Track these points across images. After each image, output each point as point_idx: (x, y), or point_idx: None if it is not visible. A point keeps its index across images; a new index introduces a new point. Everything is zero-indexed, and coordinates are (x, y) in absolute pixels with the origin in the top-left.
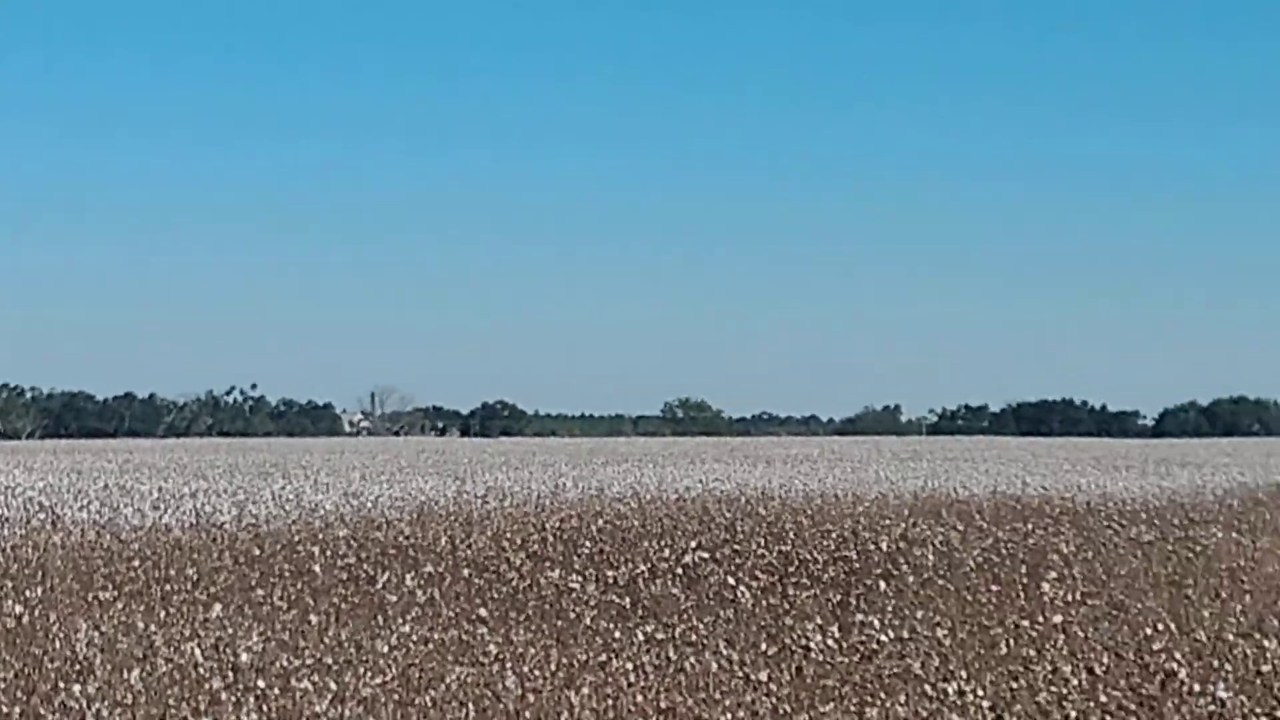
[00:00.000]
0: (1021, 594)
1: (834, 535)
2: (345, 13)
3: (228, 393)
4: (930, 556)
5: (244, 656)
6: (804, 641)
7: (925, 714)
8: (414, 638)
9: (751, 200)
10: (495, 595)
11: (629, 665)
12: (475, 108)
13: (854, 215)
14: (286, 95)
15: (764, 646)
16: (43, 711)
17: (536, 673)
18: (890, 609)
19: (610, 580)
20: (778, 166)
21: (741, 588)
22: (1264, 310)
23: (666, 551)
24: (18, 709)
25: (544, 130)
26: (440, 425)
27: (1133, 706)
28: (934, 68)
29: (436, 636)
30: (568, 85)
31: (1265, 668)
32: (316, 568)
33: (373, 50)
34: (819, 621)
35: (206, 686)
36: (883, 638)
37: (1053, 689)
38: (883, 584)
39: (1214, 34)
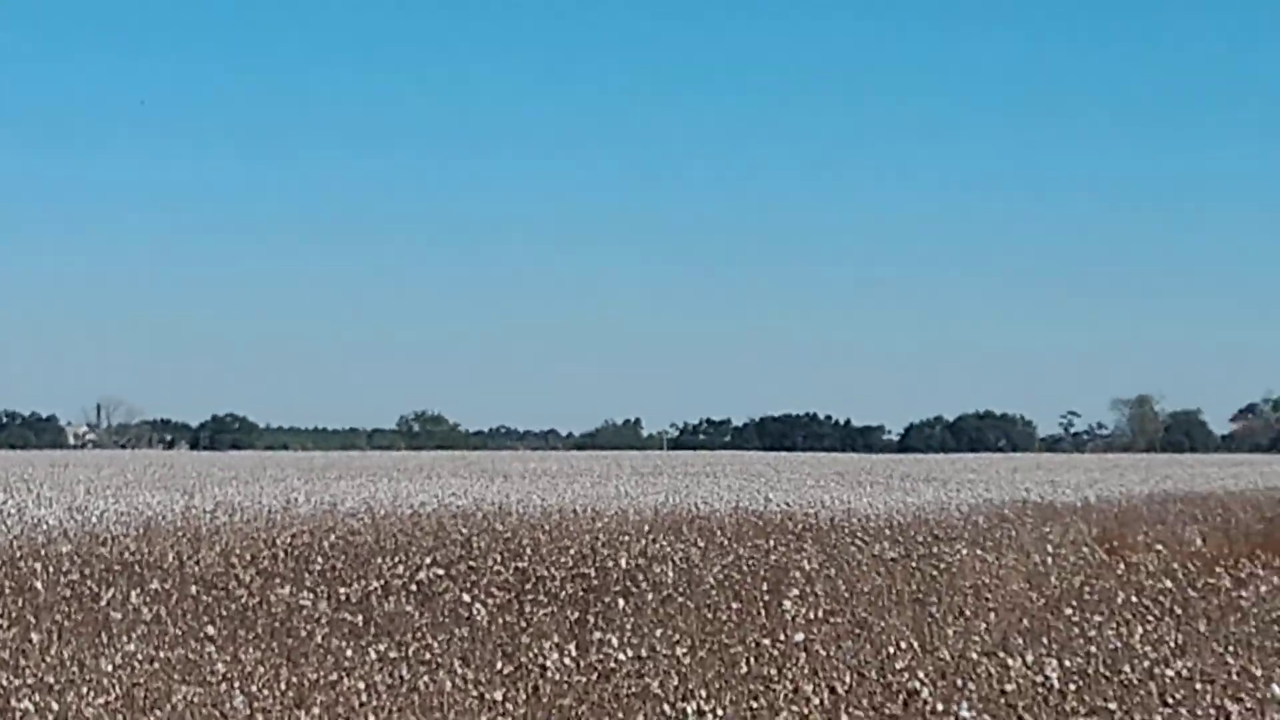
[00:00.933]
0: (763, 612)
1: (572, 552)
2: None
3: None
4: (670, 573)
5: None
6: (541, 660)
7: None
8: (139, 656)
9: (483, 208)
10: (223, 613)
11: (361, 684)
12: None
13: (591, 223)
14: None
15: (500, 665)
16: None
17: (265, 692)
18: (629, 627)
19: (342, 597)
20: (497, 167)
21: (477, 605)
22: (1007, 326)
23: (400, 568)
24: None
25: (248, 130)
26: (169, 438)
27: None
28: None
29: (162, 655)
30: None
31: (1009, 686)
32: (38, 584)
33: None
34: (556, 640)
35: None
36: (621, 656)
37: (794, 708)
38: (621, 601)
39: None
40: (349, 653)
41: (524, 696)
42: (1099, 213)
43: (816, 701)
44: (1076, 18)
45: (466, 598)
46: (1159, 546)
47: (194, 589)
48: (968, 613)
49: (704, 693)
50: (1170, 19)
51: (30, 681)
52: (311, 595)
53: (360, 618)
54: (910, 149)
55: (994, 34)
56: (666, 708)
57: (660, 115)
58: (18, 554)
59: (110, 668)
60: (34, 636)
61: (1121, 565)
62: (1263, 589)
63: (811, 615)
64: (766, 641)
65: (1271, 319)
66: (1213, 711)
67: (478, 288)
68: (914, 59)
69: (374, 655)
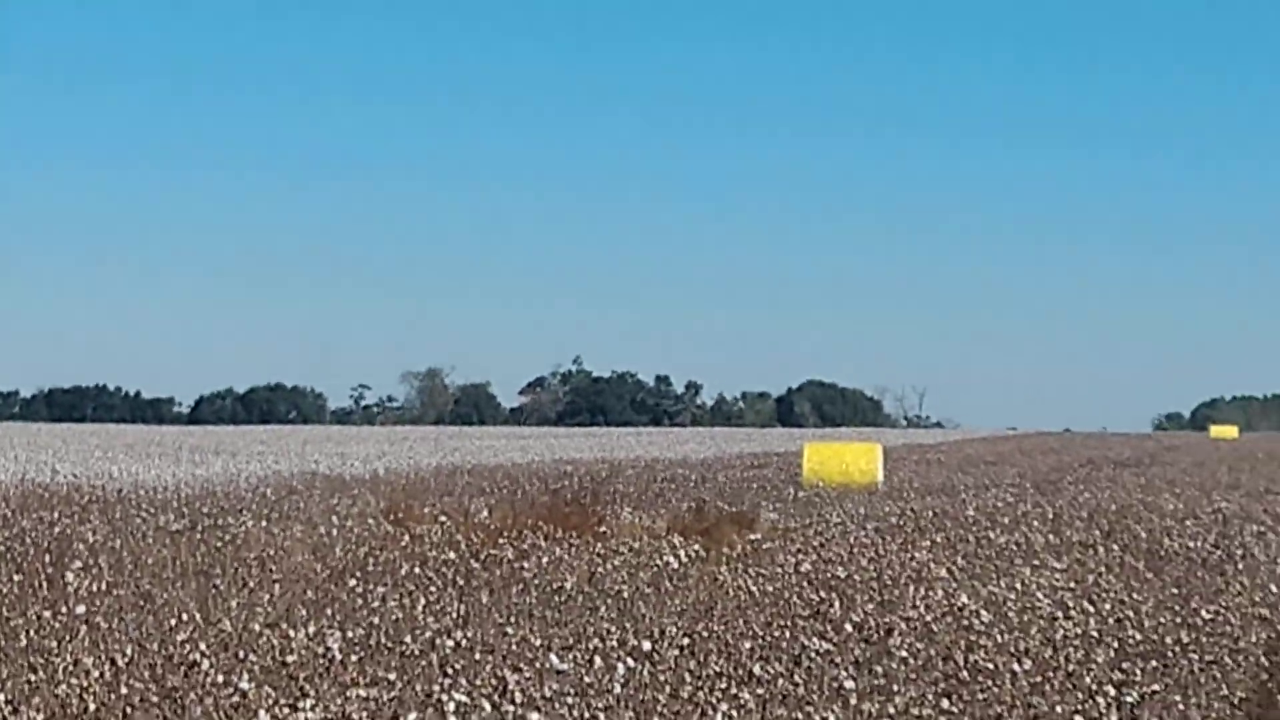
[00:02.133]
0: (45, 584)
1: None
2: None
3: None
4: None
5: None
6: None
7: None
8: None
9: None
10: None
11: None
12: None
13: None
14: None
15: None
16: None
17: None
18: None
19: None
20: None
21: None
22: (286, 299)
23: None
24: None
25: None
26: None
27: (155, 699)
28: None
29: None
30: None
31: (290, 658)
32: None
33: None
34: None
35: None
36: None
37: (74, 681)
38: None
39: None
40: None
41: None
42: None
43: (97, 674)
44: None
45: None
46: (443, 518)
47: None
48: (251, 584)
49: None
50: None
51: None
52: None
53: None
54: None
55: None
56: None
57: None
58: None
59: None
60: None
61: (407, 537)
62: (544, 560)
63: (95, 588)
64: (48, 614)
65: (546, 297)
66: (493, 681)
67: None
68: None
69: None
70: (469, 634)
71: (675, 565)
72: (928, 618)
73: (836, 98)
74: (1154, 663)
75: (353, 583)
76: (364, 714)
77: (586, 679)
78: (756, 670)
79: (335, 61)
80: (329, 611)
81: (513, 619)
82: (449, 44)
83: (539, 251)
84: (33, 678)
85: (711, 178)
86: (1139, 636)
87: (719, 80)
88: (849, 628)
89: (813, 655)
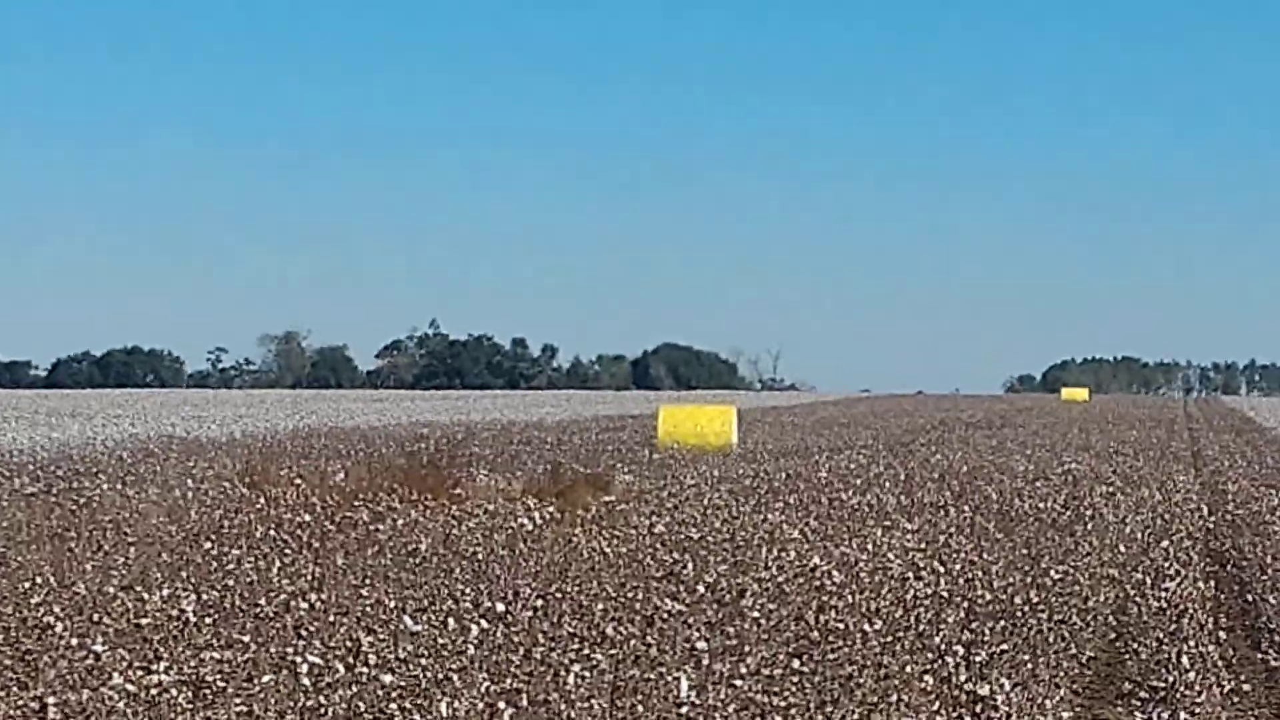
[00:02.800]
0: None
1: None
2: None
3: None
4: None
5: None
6: None
7: None
8: None
9: None
10: None
11: None
12: None
13: None
14: None
15: None
16: None
17: None
18: None
19: None
20: None
21: None
22: (149, 259)
23: None
24: None
25: None
26: None
27: (9, 661)
28: None
29: None
30: None
31: (145, 620)
32: None
33: None
34: None
35: None
36: None
37: None
38: None
39: None
40: None
41: None
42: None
43: None
44: None
45: None
46: (299, 481)
47: None
48: (106, 548)
49: None
50: None
51: None
52: None
53: None
54: None
55: None
56: None
57: None
58: None
59: None
60: None
61: (262, 500)
62: (400, 523)
63: None
64: None
65: (403, 260)
66: (347, 644)
67: None
68: None
69: None
70: (324, 596)
71: (530, 527)
72: (780, 579)
73: (678, 56)
74: (1003, 623)
75: (208, 545)
76: (218, 676)
77: (440, 640)
78: (610, 631)
79: (184, 19)
80: (184, 574)
81: (367, 581)
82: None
83: (395, 214)
84: None
85: (564, 137)
86: (989, 597)
87: (551, 34)
88: (702, 589)
89: (665, 616)
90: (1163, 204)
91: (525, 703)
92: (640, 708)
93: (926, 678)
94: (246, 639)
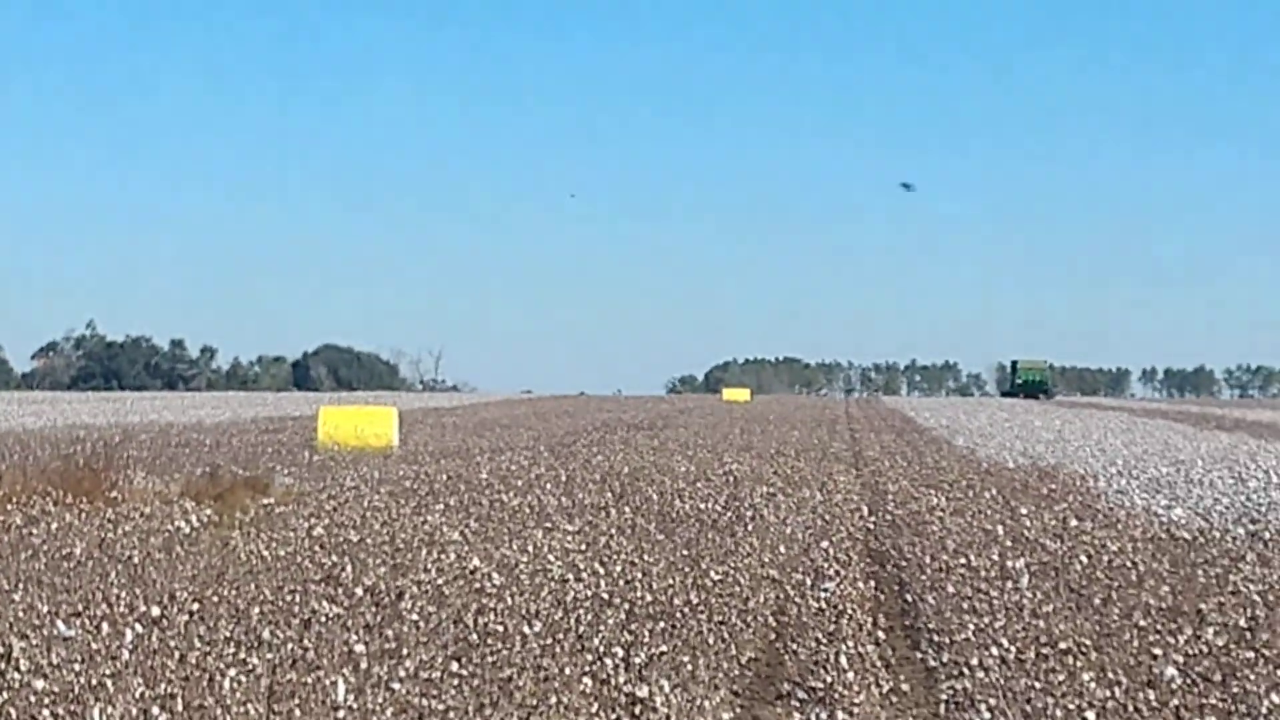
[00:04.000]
0: None
1: None
2: None
3: None
4: None
5: None
6: None
7: None
8: None
9: None
10: None
11: None
12: None
13: None
14: None
15: None
16: None
17: None
18: None
19: None
20: None
21: None
22: None
23: None
24: None
25: None
26: None
27: None
28: None
29: None
30: None
31: None
32: None
33: None
34: None
35: None
36: None
37: None
38: None
39: None
40: None
41: None
42: None
43: None
44: None
45: None
46: None
47: None
48: None
49: None
50: None
51: None
52: None
53: None
54: None
55: None
56: None
57: None
58: None
59: None
60: None
61: None
62: (54, 526)
63: None
64: None
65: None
66: None
67: None
68: None
69: None
70: None
71: (187, 530)
72: (439, 581)
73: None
74: (663, 624)
75: None
76: None
77: (94, 645)
78: (266, 635)
79: None
80: None
81: (20, 586)
82: None
83: (53, 212)
84: None
85: (224, 137)
86: (649, 598)
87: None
88: (360, 591)
89: (323, 619)
90: (822, 206)
91: (180, 707)
92: (298, 711)
93: (586, 680)
94: None
